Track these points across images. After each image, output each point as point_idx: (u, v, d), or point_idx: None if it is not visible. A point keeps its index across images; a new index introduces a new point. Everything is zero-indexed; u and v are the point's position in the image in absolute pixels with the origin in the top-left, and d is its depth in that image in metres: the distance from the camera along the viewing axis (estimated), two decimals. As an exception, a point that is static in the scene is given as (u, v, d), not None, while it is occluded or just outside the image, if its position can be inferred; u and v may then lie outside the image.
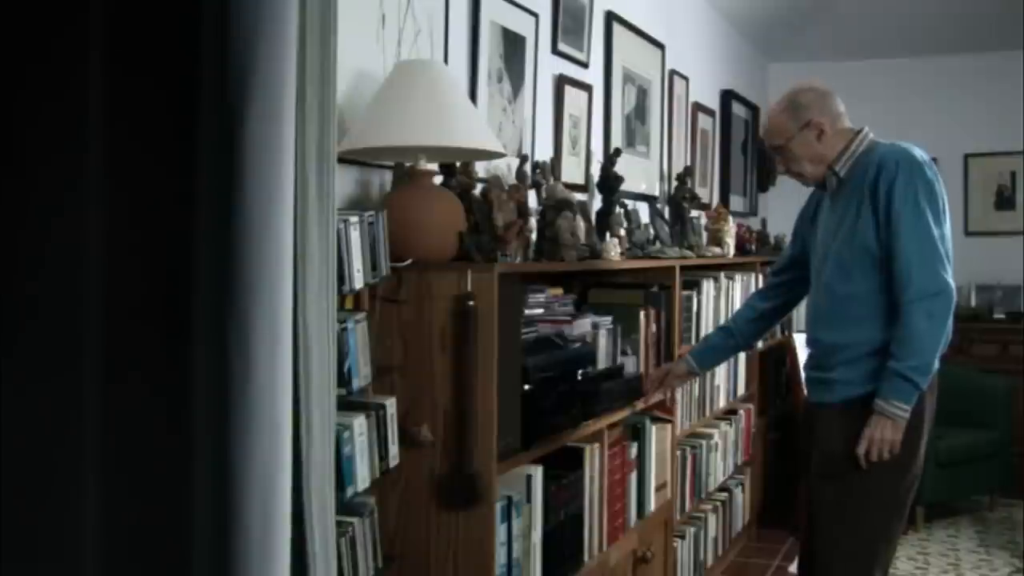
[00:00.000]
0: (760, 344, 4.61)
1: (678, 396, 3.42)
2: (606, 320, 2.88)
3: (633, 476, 3.02)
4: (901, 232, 2.46)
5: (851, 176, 2.60)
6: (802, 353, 4.86)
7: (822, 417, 2.65)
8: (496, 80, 3.00)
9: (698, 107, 5.07)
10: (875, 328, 2.52)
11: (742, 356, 4.35)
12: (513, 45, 3.10)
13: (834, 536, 2.59)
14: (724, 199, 5.48)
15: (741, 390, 4.35)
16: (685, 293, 3.52)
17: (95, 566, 1.20)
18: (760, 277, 4.56)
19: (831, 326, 2.63)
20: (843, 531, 2.57)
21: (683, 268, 3.46)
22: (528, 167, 2.87)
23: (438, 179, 2.39)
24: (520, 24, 3.13)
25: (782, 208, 6.33)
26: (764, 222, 5.73)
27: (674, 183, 4.21)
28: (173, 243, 1.16)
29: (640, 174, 4.20)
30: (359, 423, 1.88)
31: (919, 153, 2.54)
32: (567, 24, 3.48)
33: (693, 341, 3.62)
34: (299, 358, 1.38)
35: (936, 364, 2.49)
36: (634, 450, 3.02)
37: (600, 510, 2.72)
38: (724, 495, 4.17)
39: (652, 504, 3.16)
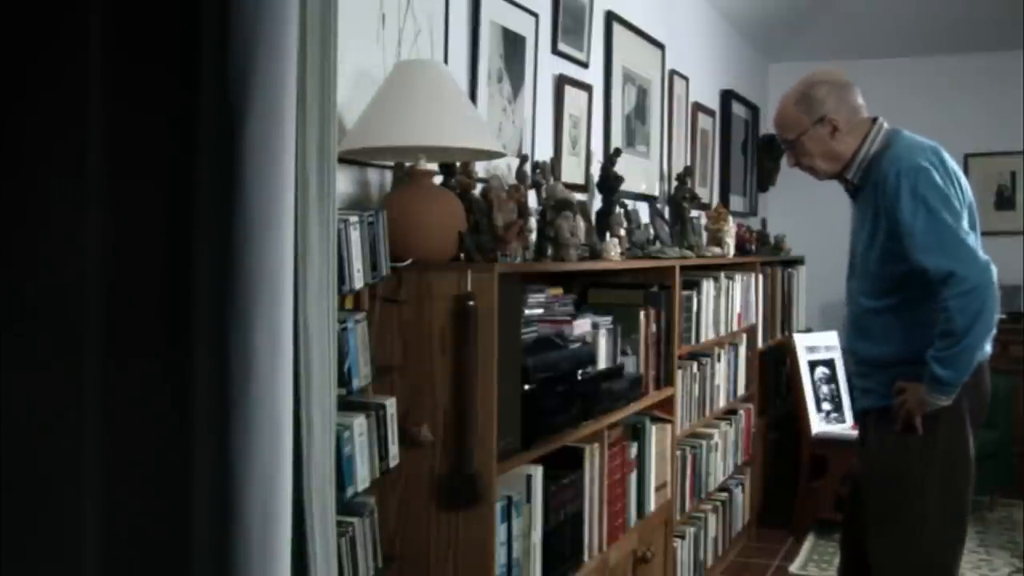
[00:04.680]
0: (761, 344, 4.62)
1: (678, 396, 3.42)
2: (606, 320, 2.88)
3: (633, 476, 3.02)
4: (917, 241, 2.39)
5: (865, 182, 2.56)
6: (807, 355, 4.88)
7: (866, 422, 2.67)
8: (496, 80, 3.00)
9: (698, 107, 5.07)
10: (896, 343, 2.50)
11: (742, 356, 4.35)
12: (513, 45, 3.10)
13: (880, 538, 2.57)
14: (724, 199, 5.47)
15: (741, 390, 4.35)
16: (685, 293, 3.52)
17: (95, 566, 1.20)
18: (760, 277, 4.56)
19: (860, 337, 2.61)
20: (885, 531, 2.55)
21: (683, 268, 3.46)
22: (528, 167, 2.87)
23: (438, 179, 2.39)
24: (520, 24, 3.13)
25: (782, 208, 6.34)
26: (764, 222, 5.73)
27: (674, 183, 4.21)
28: (173, 243, 1.16)
29: (640, 174, 4.20)
30: (359, 423, 1.88)
31: (924, 157, 2.45)
32: (567, 24, 3.48)
33: (693, 341, 3.63)
34: (299, 358, 1.37)
35: (974, 359, 2.41)
36: (634, 450, 3.02)
37: (600, 510, 2.72)
38: (724, 495, 4.17)
39: (652, 504, 3.16)
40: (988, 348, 2.56)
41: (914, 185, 2.41)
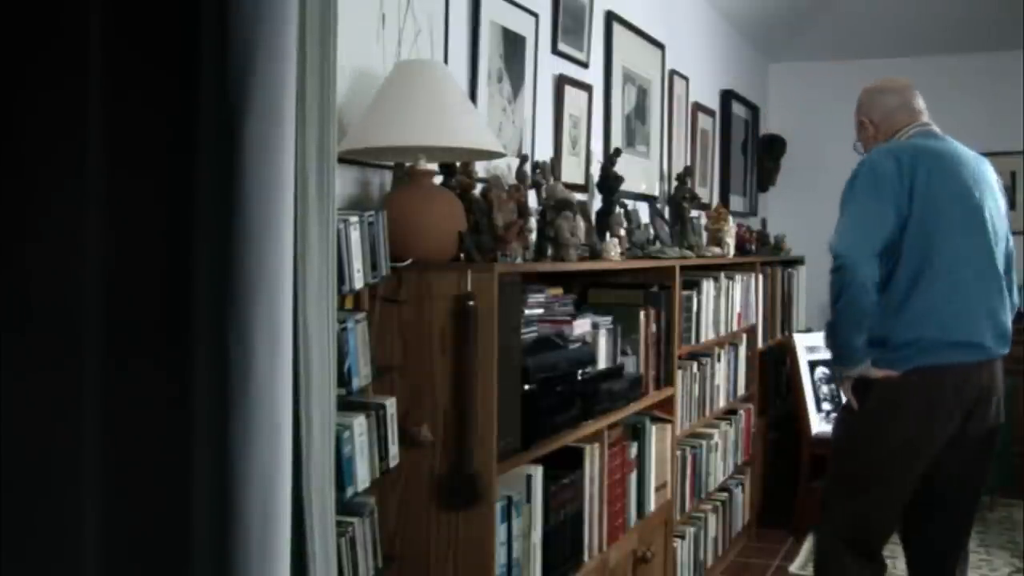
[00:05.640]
0: (761, 344, 4.62)
1: (678, 396, 3.42)
2: (606, 320, 2.88)
3: (633, 476, 3.02)
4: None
5: None
6: (807, 355, 4.88)
7: None
8: (496, 80, 3.00)
9: (698, 107, 5.07)
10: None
11: (742, 356, 4.35)
12: (513, 45, 3.10)
13: (825, 499, 2.92)
14: (724, 199, 5.47)
15: (741, 390, 4.35)
16: (685, 293, 3.51)
17: (95, 566, 1.20)
18: (760, 277, 4.56)
19: None
20: (829, 494, 2.91)
21: (683, 268, 3.45)
22: (528, 167, 2.87)
23: (438, 179, 2.39)
24: (520, 24, 3.13)
25: (782, 208, 6.34)
26: (764, 222, 5.73)
27: (674, 183, 4.21)
28: (173, 243, 1.16)
29: (640, 174, 4.20)
30: (359, 423, 1.88)
31: (888, 150, 2.72)
32: (567, 24, 3.48)
33: (693, 341, 3.63)
34: (299, 358, 1.38)
35: (854, 340, 2.67)
36: (634, 450, 3.02)
37: (600, 510, 2.72)
38: (724, 495, 4.17)
39: (652, 504, 3.16)
40: (961, 355, 2.68)
41: (856, 174, 2.71)
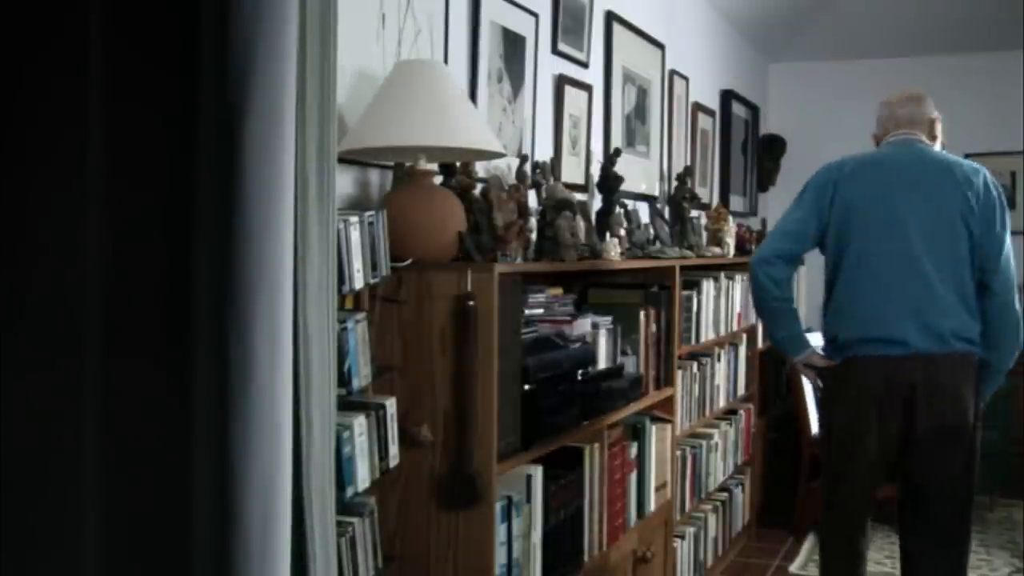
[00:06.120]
0: (761, 344, 4.61)
1: (678, 396, 3.42)
2: (606, 320, 2.88)
3: (633, 476, 3.02)
4: None
5: None
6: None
7: None
8: (496, 80, 3.00)
9: (698, 107, 5.07)
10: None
11: (742, 356, 4.35)
12: (513, 45, 3.10)
13: None
14: (724, 199, 5.47)
15: (741, 390, 4.35)
16: (685, 293, 3.52)
17: (95, 566, 1.20)
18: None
19: None
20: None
21: (683, 268, 3.46)
22: (528, 167, 2.86)
23: (438, 179, 2.39)
24: (520, 24, 3.13)
25: (782, 208, 6.32)
26: (764, 222, 5.72)
27: (674, 183, 4.21)
28: (173, 243, 1.16)
29: (640, 174, 4.20)
30: (359, 423, 1.88)
31: (833, 163, 2.91)
32: (567, 24, 3.48)
33: (693, 341, 3.63)
34: (299, 358, 1.38)
35: (775, 332, 2.96)
36: (634, 450, 3.02)
37: (600, 510, 2.72)
38: (724, 495, 4.17)
39: (652, 504, 3.16)
40: (885, 349, 2.77)
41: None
